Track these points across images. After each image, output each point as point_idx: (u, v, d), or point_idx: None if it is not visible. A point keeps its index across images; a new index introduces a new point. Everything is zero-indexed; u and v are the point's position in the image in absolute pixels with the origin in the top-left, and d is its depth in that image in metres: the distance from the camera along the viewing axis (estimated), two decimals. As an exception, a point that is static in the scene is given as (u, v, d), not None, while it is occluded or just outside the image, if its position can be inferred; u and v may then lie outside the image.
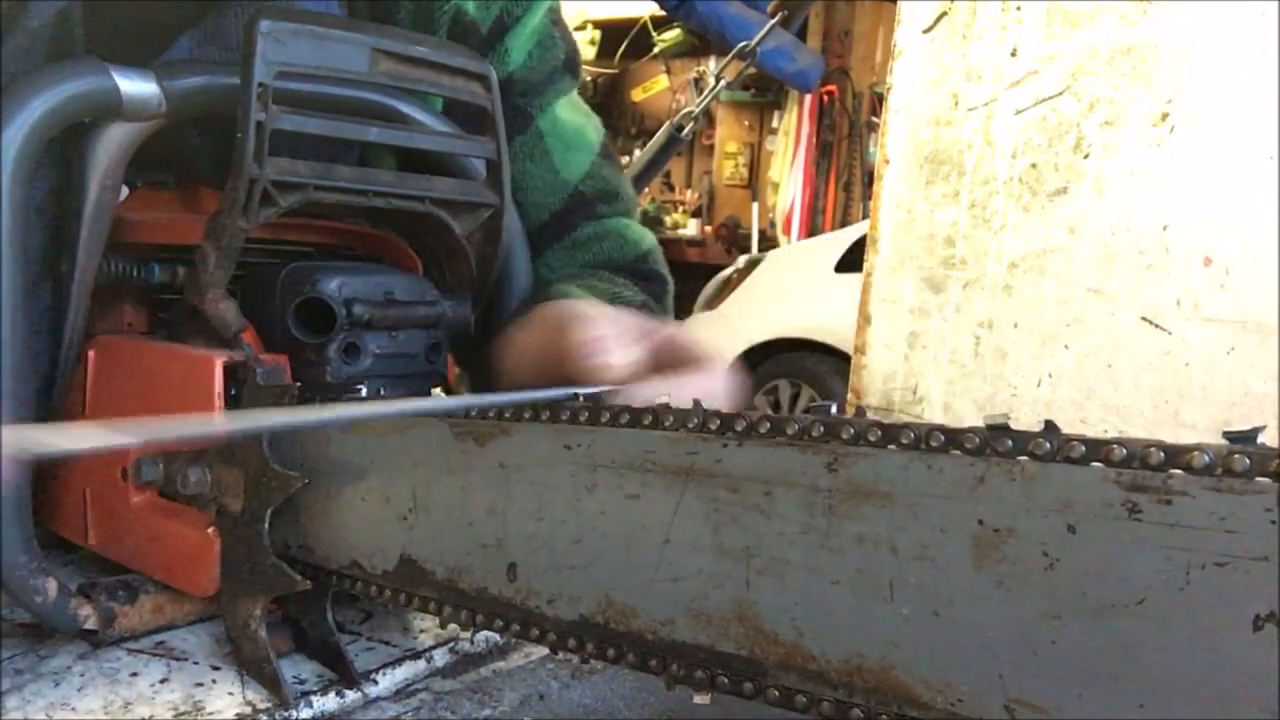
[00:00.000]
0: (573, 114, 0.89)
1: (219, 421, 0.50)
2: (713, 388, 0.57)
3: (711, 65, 5.00)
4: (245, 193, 0.61)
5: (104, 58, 0.62)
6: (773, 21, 2.37)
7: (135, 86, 0.62)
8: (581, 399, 0.49)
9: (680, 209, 6.37)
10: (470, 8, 0.79)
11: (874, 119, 5.00)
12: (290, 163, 0.63)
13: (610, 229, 0.89)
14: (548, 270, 0.87)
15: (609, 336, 0.57)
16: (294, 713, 0.62)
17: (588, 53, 5.94)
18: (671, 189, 6.45)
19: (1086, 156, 0.99)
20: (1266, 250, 0.89)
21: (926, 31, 1.10)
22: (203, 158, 0.72)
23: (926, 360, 1.14)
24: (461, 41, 0.76)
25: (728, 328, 3.89)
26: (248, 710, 0.61)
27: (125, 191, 0.69)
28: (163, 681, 0.64)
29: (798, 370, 3.71)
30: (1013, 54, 1.04)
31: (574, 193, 0.88)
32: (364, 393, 0.59)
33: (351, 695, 0.65)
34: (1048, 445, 0.36)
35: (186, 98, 0.64)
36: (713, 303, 4.06)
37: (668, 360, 0.58)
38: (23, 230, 0.60)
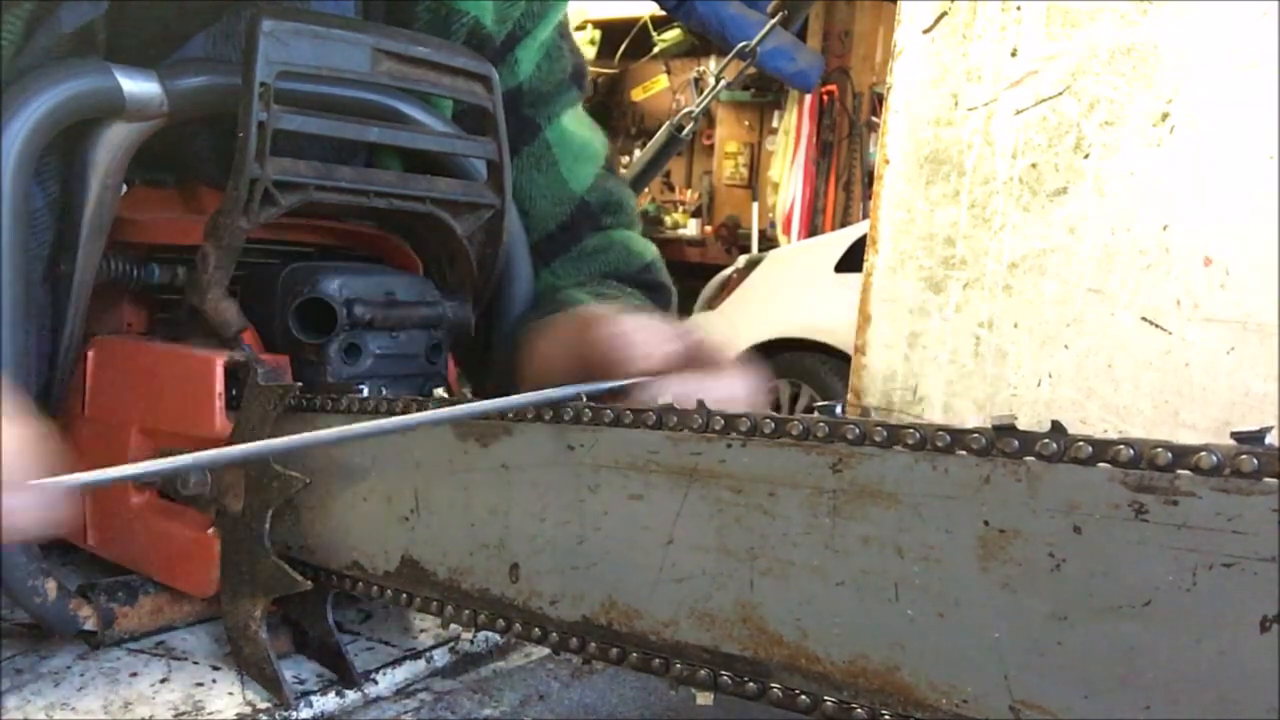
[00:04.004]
0: (579, 126, 0.90)
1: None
2: (737, 389, 0.57)
3: (711, 65, 5.00)
4: (246, 192, 0.61)
5: (122, 59, 0.62)
6: (773, 21, 2.37)
7: (137, 86, 0.62)
8: (586, 398, 0.49)
9: (680, 209, 6.37)
10: (488, 20, 0.79)
11: (874, 119, 5.00)
12: (291, 163, 0.63)
13: (615, 240, 0.90)
14: (553, 279, 0.87)
15: (641, 330, 0.57)
16: (294, 713, 0.62)
17: (588, 53, 5.94)
18: (671, 189, 6.46)
19: (1086, 156, 0.99)
20: (1266, 250, 0.89)
21: (926, 31, 1.10)
22: (204, 157, 0.71)
23: (926, 360, 1.14)
24: (477, 52, 0.76)
25: (728, 328, 3.89)
26: (248, 710, 0.61)
27: (124, 189, 0.69)
28: (163, 681, 0.64)
29: (798, 370, 3.70)
30: (1013, 54, 1.03)
31: (580, 204, 0.88)
32: (365, 393, 0.59)
33: (351, 695, 0.64)
34: (1054, 446, 0.36)
35: (188, 97, 0.64)
36: (713, 303, 4.06)
37: (693, 360, 0.58)
38: (23, 230, 0.60)
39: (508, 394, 0.50)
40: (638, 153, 2.92)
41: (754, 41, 2.37)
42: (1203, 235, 0.93)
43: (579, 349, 0.59)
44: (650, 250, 0.93)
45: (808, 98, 5.16)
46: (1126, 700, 0.35)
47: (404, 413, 0.53)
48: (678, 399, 0.48)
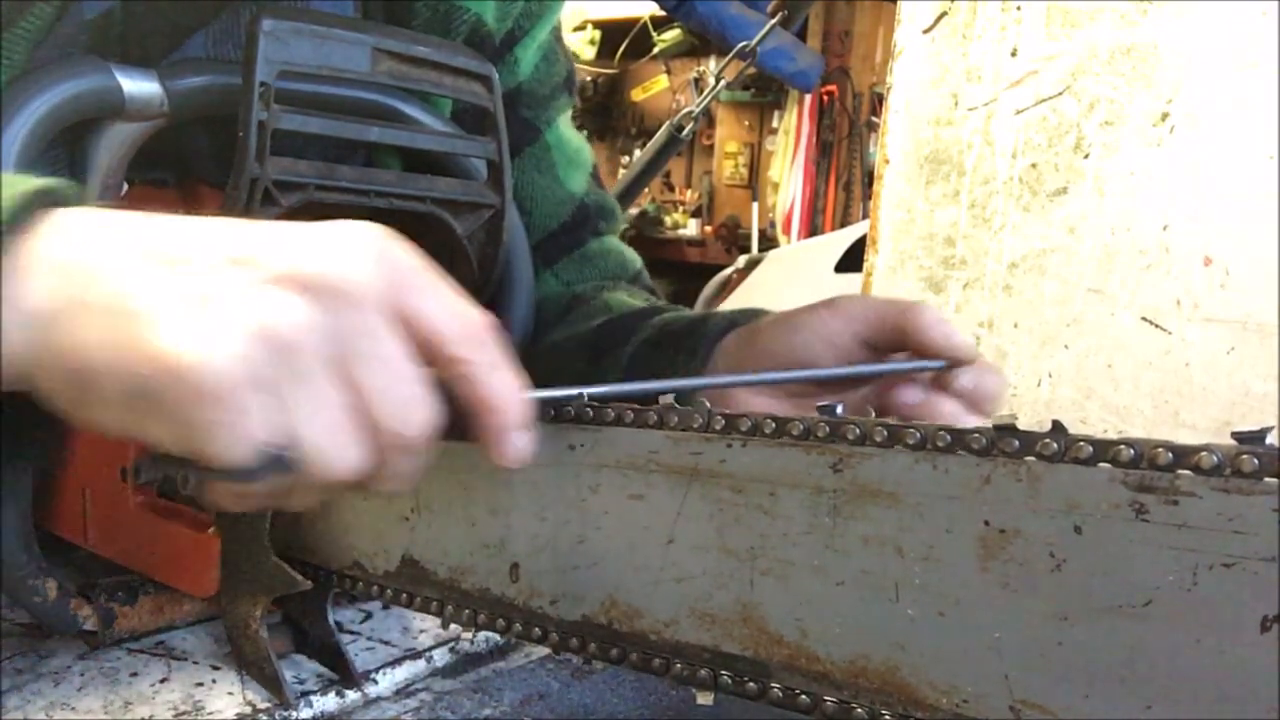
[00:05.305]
0: (572, 133, 0.90)
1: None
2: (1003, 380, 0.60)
3: (711, 65, 5.00)
4: (247, 192, 0.61)
5: (122, 56, 0.62)
6: (773, 21, 2.36)
7: (138, 86, 0.62)
8: (586, 398, 0.49)
9: (680, 209, 6.37)
10: (489, 18, 0.79)
11: (874, 119, 5.00)
12: (292, 162, 0.63)
13: (610, 246, 0.91)
14: (556, 280, 0.87)
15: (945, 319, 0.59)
16: (294, 713, 0.62)
17: (587, 53, 5.93)
18: (671, 189, 6.45)
19: (1086, 156, 0.99)
20: (1266, 250, 0.89)
21: (926, 31, 1.09)
22: (204, 156, 0.71)
23: (926, 360, 1.14)
24: (477, 50, 0.76)
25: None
26: (248, 710, 0.61)
27: (124, 188, 0.69)
28: (163, 681, 0.64)
29: (797, 370, 3.70)
30: (1013, 54, 1.03)
31: (580, 205, 0.89)
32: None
33: (351, 695, 0.64)
34: (1055, 445, 0.36)
35: (189, 97, 0.64)
36: (713, 303, 4.05)
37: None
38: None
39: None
40: (638, 153, 2.91)
41: (754, 41, 2.36)
42: (1203, 235, 0.93)
43: (879, 327, 0.59)
44: (638, 259, 0.94)
45: (808, 98, 5.15)
46: (1127, 700, 0.35)
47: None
48: (974, 388, 0.55)
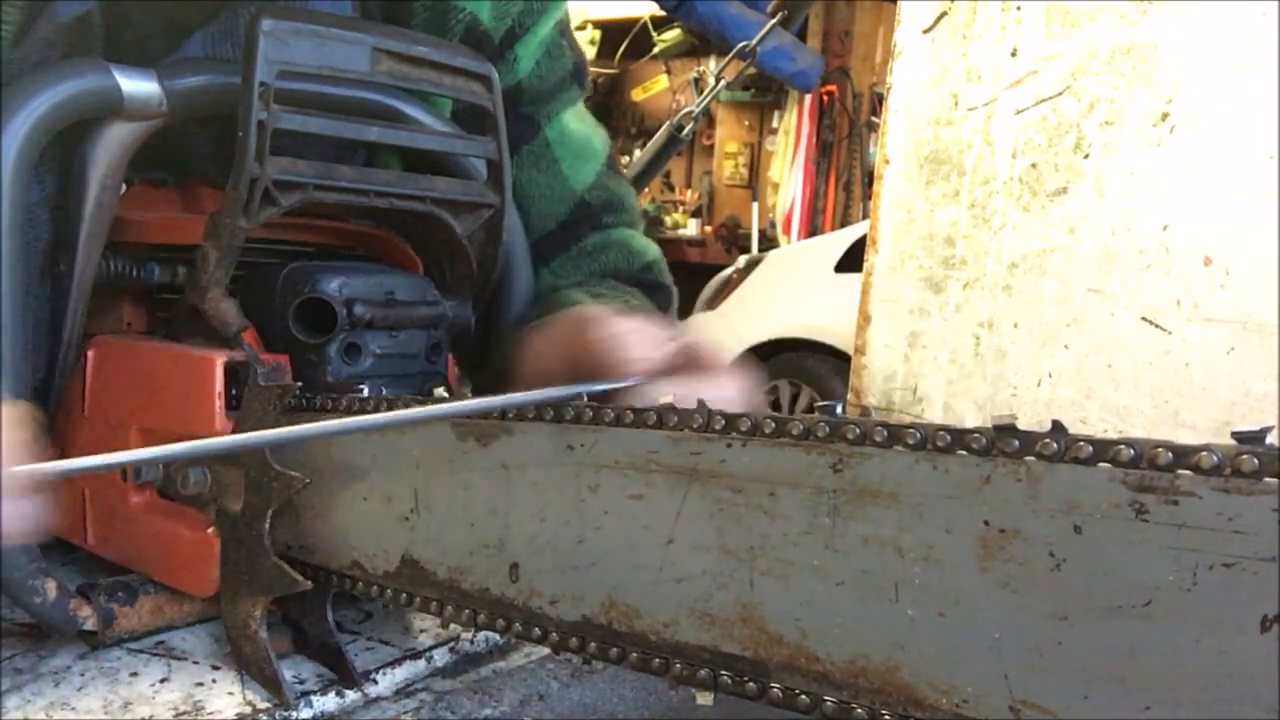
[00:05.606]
0: (580, 124, 0.89)
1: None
2: (731, 392, 0.57)
3: (711, 65, 5.00)
4: (246, 192, 0.61)
5: (121, 57, 0.62)
6: (773, 21, 2.37)
7: (136, 86, 0.62)
8: (586, 398, 0.49)
9: (680, 209, 6.38)
10: (485, 17, 0.79)
11: (874, 119, 5.00)
12: (291, 162, 0.63)
13: (615, 239, 0.90)
14: (553, 278, 0.87)
15: (636, 333, 0.57)
16: (294, 713, 0.62)
17: (587, 53, 5.93)
18: (671, 189, 6.46)
19: (1086, 156, 0.99)
20: (1266, 250, 0.89)
21: (926, 31, 1.10)
22: (204, 156, 0.72)
23: (926, 360, 1.14)
24: (475, 49, 0.76)
25: (728, 328, 3.89)
26: (248, 710, 0.61)
27: (124, 188, 0.69)
28: (163, 681, 0.64)
29: (798, 370, 3.70)
30: (1013, 54, 1.03)
31: (580, 202, 0.88)
32: (365, 393, 0.59)
33: (351, 695, 0.64)
34: (1054, 445, 0.36)
35: (188, 97, 0.64)
36: (713, 303, 4.05)
37: (687, 363, 0.58)
38: (23, 229, 0.60)
39: (506, 393, 0.50)
40: (638, 153, 2.92)
41: (754, 41, 2.37)
42: (1203, 235, 0.93)
43: (574, 350, 0.59)
44: (651, 250, 0.93)
45: (808, 98, 5.16)
46: (1126, 700, 0.35)
47: (404, 409, 0.54)
48: (655, 403, 0.48)
